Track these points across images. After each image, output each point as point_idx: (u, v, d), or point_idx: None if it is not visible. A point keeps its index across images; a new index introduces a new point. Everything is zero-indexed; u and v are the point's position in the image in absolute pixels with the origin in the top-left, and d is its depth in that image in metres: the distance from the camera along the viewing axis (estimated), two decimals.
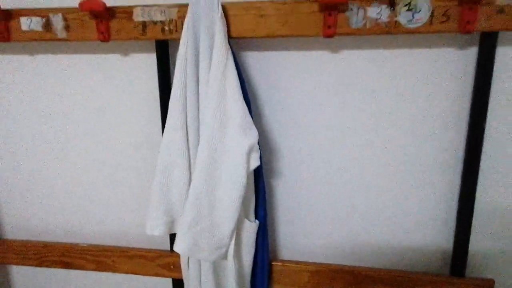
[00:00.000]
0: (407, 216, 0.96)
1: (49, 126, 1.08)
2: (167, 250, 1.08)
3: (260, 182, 0.91)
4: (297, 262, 1.00)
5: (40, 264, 1.13)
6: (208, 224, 0.83)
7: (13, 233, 1.18)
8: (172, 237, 1.06)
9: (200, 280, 0.93)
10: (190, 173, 0.87)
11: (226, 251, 0.87)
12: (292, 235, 1.02)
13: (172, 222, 0.88)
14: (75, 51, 1.01)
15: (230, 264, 0.88)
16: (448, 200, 0.93)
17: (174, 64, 0.96)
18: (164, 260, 1.06)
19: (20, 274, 1.24)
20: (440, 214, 0.94)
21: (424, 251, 0.98)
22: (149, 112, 1.01)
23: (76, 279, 1.20)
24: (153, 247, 1.10)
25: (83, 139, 1.07)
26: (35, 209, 1.15)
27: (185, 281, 1.01)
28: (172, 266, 1.06)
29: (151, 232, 0.87)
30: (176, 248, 0.83)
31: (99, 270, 1.11)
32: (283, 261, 1.01)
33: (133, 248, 1.09)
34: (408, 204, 0.95)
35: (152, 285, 1.15)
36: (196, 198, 0.82)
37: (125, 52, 0.98)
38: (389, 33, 0.78)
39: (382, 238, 0.99)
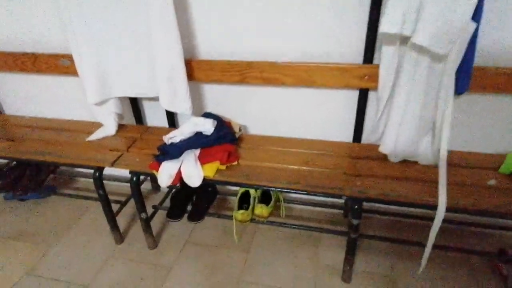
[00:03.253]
0: None
1: None
2: (360, 64, 1.22)
3: None
4: (496, 67, 1.10)
5: (242, 80, 1.33)
6: (448, 19, 0.92)
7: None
8: (367, 49, 1.18)
9: (414, 78, 1.06)
10: None
11: (453, 47, 0.97)
12: (493, 42, 1.09)
13: (403, 22, 0.97)
14: None
15: (451, 57, 0.98)
16: None
17: None
18: (360, 72, 1.21)
19: (208, 91, 1.47)
20: None
21: None
22: None
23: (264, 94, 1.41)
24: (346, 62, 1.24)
25: None
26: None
27: (380, 89, 1.17)
28: (366, 77, 1.21)
29: (387, 30, 0.97)
30: (417, 39, 0.94)
31: (296, 84, 1.29)
32: (483, 66, 1.11)
33: (330, 62, 1.23)
34: None
35: (341, 96, 1.33)
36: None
37: None
38: None
39: None
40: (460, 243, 1.40)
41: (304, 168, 1.22)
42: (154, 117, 1.61)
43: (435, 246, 1.10)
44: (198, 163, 1.22)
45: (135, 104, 1.55)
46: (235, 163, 1.25)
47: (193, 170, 1.20)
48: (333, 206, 1.63)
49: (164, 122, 1.58)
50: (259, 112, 1.45)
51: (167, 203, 1.58)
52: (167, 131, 1.48)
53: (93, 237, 1.56)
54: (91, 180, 1.34)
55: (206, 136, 1.29)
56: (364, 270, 1.34)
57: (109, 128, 1.48)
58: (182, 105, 1.35)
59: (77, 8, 1.22)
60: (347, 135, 1.40)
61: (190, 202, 1.52)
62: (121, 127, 1.53)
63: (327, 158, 1.26)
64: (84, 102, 1.58)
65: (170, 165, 1.22)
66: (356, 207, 1.12)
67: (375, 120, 1.24)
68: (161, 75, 1.28)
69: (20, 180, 1.65)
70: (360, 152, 1.29)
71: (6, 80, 1.68)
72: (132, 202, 1.62)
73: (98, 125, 1.52)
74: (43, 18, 1.44)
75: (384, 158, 1.24)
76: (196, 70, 1.35)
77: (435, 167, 1.18)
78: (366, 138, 1.37)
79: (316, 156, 1.28)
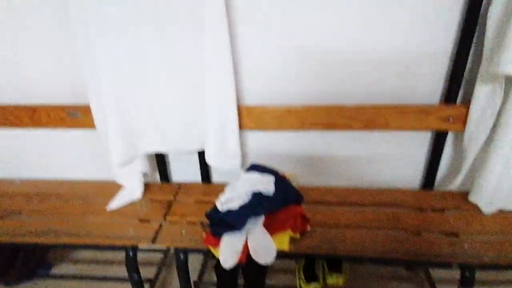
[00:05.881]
0: None
1: None
2: (436, 103, 1.09)
3: None
4: None
5: (301, 127, 1.14)
6: None
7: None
8: (451, 88, 1.04)
9: None
10: None
11: None
12: None
13: None
14: None
15: None
16: None
17: None
18: (443, 113, 1.06)
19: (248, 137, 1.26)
20: None
21: None
22: None
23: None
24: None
25: None
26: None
27: (471, 132, 1.03)
28: (451, 119, 1.07)
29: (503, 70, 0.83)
30: None
31: (367, 129, 1.12)
32: None
33: (408, 104, 1.08)
34: None
35: (410, 138, 1.18)
36: None
37: None
38: None
39: None
40: None
41: (392, 228, 1.03)
42: (182, 171, 1.35)
43: None
44: (267, 234, 0.99)
45: (160, 157, 1.29)
46: (309, 228, 1.03)
47: (263, 244, 0.96)
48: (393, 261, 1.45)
49: (194, 177, 1.33)
50: (309, 159, 1.26)
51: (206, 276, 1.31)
52: (203, 189, 1.26)
53: None
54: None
55: (268, 197, 1.06)
56: None
57: (133, 190, 1.20)
58: (232, 160, 1.12)
59: (103, 48, 0.97)
60: (413, 181, 1.25)
61: (239, 274, 1.26)
62: (145, 187, 1.25)
63: (410, 213, 1.08)
64: (94, 157, 1.31)
65: (233, 239, 0.97)
66: (468, 275, 0.94)
67: (459, 165, 1.10)
68: (211, 123, 1.05)
69: (10, 265, 1.29)
70: (443, 202, 1.13)
71: None
72: None
73: (115, 186, 1.24)
74: (44, 64, 1.17)
75: (475, 208, 1.09)
76: (246, 118, 1.14)
77: None
78: (439, 184, 1.22)
79: (397, 211, 1.09)
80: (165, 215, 1.12)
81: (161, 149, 1.15)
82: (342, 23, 1.01)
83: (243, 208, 1.04)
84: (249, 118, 1.14)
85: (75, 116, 1.18)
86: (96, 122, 1.09)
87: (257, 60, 1.09)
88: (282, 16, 1.02)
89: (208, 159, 1.12)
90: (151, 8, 0.92)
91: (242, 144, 1.26)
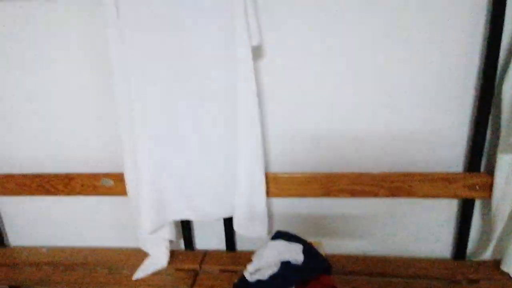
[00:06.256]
0: None
1: None
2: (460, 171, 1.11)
3: None
4: None
5: (326, 194, 1.16)
6: None
7: None
8: (474, 156, 1.07)
9: None
10: None
11: None
12: None
13: None
14: None
15: None
16: None
17: None
18: (468, 181, 1.07)
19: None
20: None
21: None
22: None
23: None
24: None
25: None
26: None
27: (497, 200, 1.03)
28: (477, 187, 1.08)
29: None
30: None
31: (392, 196, 1.13)
32: None
33: (432, 172, 1.10)
34: None
35: (436, 206, 1.18)
36: None
37: None
38: None
39: None
40: None
41: None
42: (207, 238, 1.35)
43: None
44: None
45: (185, 224, 1.31)
46: None
47: None
48: None
49: (218, 243, 1.32)
50: (333, 225, 1.26)
51: None
52: (229, 257, 1.25)
53: None
54: None
55: (297, 267, 1.05)
56: None
57: (159, 259, 1.20)
58: (259, 228, 1.13)
59: (142, 122, 1.05)
60: (443, 250, 1.22)
61: None
62: (170, 254, 1.24)
63: (444, 285, 1.04)
64: (120, 225, 1.33)
65: None
66: None
67: (490, 233, 1.09)
68: (239, 192, 1.08)
69: None
70: (477, 273, 1.08)
71: (12, 204, 1.40)
72: None
73: (142, 254, 1.24)
74: (82, 135, 1.25)
75: (508, 278, 1.05)
76: (272, 185, 1.17)
77: None
78: (472, 253, 1.19)
79: (430, 283, 1.05)
80: (191, 286, 1.10)
81: (189, 217, 1.17)
82: (361, 105, 1.10)
83: (272, 278, 1.02)
84: (274, 185, 1.17)
85: (107, 184, 1.23)
86: (128, 190, 1.14)
87: (284, 136, 1.16)
88: (305, 96, 1.11)
89: (236, 227, 1.13)
90: (189, 89, 1.01)
91: (268, 211, 1.28)
